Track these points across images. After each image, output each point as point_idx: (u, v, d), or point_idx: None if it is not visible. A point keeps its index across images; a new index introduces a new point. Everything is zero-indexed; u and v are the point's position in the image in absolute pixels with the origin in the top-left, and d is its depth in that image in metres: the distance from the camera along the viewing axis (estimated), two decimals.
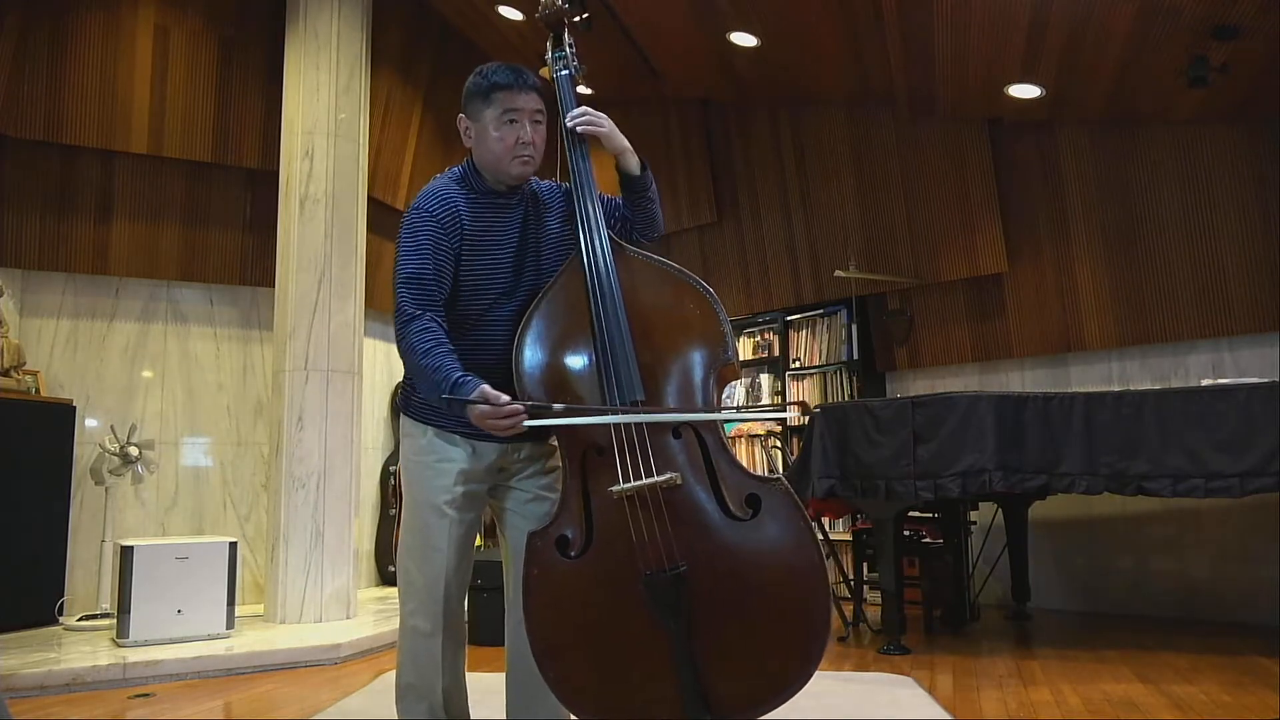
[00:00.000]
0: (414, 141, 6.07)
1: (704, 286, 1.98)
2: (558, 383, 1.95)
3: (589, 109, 2.13)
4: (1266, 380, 3.65)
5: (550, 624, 1.87)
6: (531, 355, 1.96)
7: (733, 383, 6.41)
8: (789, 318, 6.17)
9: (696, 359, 1.95)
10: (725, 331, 1.95)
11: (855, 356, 5.76)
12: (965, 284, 5.56)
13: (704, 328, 1.95)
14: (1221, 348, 4.77)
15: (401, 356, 1.96)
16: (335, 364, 4.74)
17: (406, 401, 2.10)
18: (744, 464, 1.93)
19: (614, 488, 1.83)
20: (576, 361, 1.95)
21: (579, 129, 2.11)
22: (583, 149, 2.12)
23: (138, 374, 5.33)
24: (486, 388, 1.81)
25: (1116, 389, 3.96)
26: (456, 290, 1.99)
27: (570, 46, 2.22)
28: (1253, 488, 3.48)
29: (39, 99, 4.83)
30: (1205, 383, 3.86)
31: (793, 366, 6.09)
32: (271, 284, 4.98)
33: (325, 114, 4.86)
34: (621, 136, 2.12)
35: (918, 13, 4.23)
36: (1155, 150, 4.86)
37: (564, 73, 2.19)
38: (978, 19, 4.16)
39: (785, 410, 1.86)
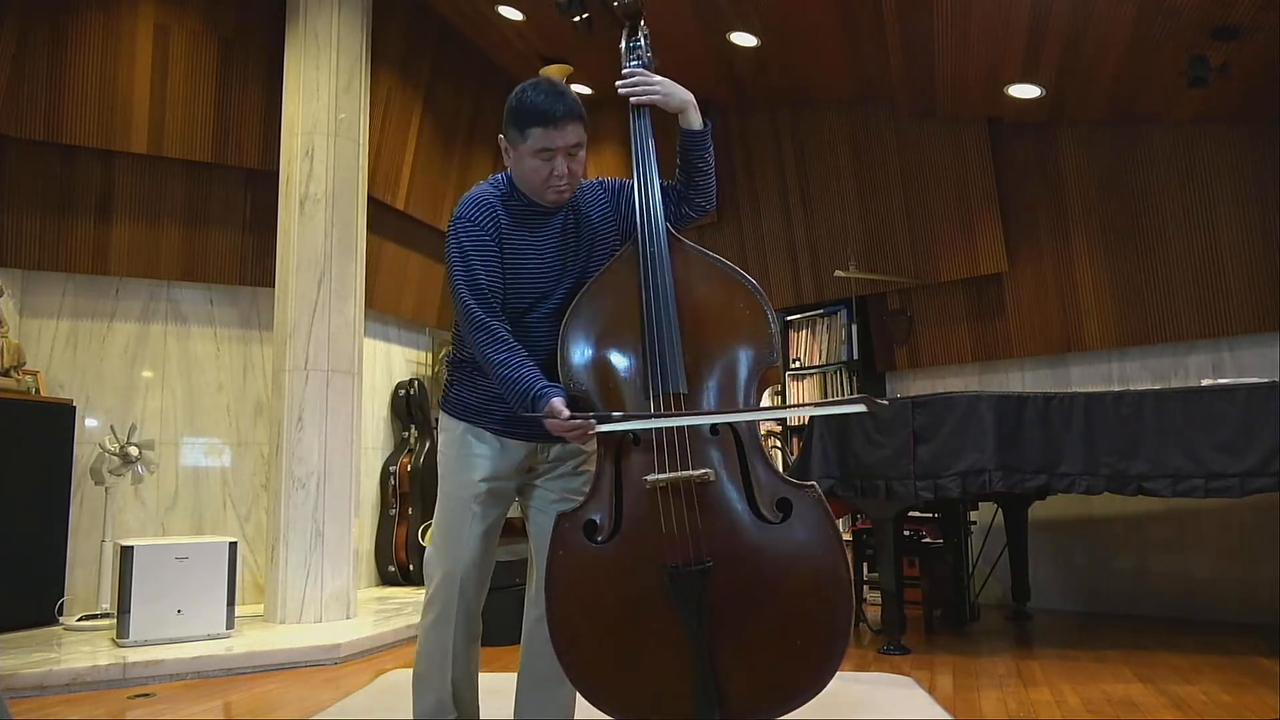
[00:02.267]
0: (414, 141, 6.06)
1: (756, 287, 1.98)
2: (601, 367, 1.95)
3: (640, 73, 2.09)
4: (1266, 380, 3.65)
5: (571, 607, 1.87)
6: (578, 338, 1.96)
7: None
8: (789, 318, 6.17)
9: (742, 358, 1.94)
10: (773, 333, 1.94)
11: (855, 356, 5.75)
12: (965, 284, 5.56)
13: (753, 327, 1.95)
14: (1221, 348, 4.77)
15: (479, 361, 1.98)
16: (335, 364, 4.74)
17: (445, 397, 2.16)
18: (778, 468, 1.91)
19: (649, 477, 1.83)
20: (622, 349, 1.95)
21: (631, 100, 2.08)
22: (647, 125, 2.09)
23: (138, 374, 5.33)
24: (556, 401, 1.84)
25: (1116, 389, 3.95)
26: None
27: (645, 38, 2.19)
28: (1253, 488, 3.48)
29: (39, 99, 4.83)
30: (1205, 383, 3.86)
31: (793, 366, 6.09)
32: (271, 284, 4.98)
33: (325, 114, 4.85)
34: (681, 92, 2.08)
35: (918, 13, 4.23)
36: (1155, 150, 4.86)
37: (635, 63, 2.16)
38: (978, 19, 4.16)
39: (858, 403, 1.81)
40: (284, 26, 5.02)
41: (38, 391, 4.82)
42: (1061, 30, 4.10)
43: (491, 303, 1.96)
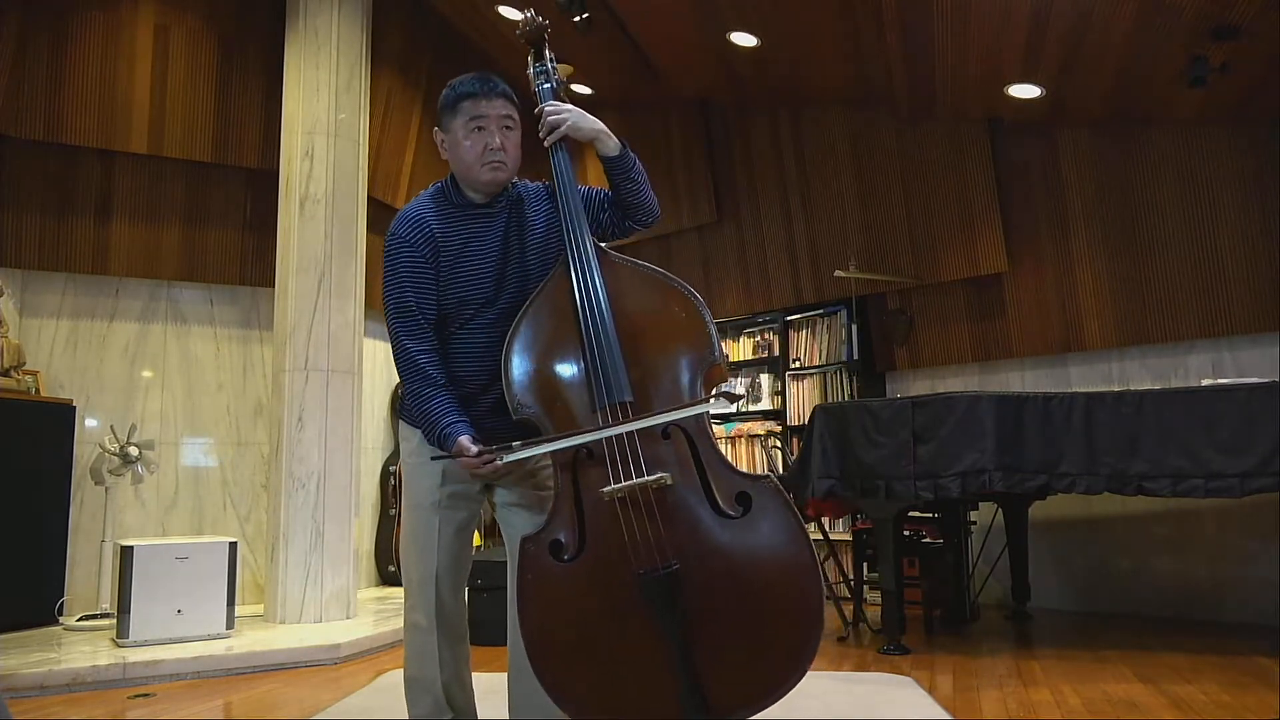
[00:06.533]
0: (414, 141, 6.07)
1: (688, 289, 2.01)
2: (547, 388, 1.97)
3: (551, 105, 2.12)
4: (1266, 380, 3.65)
5: (546, 628, 1.87)
6: (520, 362, 1.98)
7: (731, 381, 6.42)
8: (789, 318, 6.17)
9: (684, 361, 1.97)
10: (711, 332, 1.97)
11: (855, 356, 5.75)
12: (965, 284, 5.56)
13: (690, 330, 1.97)
14: (1221, 348, 4.77)
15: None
16: (335, 364, 4.74)
17: (403, 406, 2.18)
18: (733, 463, 1.94)
19: (605, 489, 1.84)
20: (565, 367, 1.97)
21: (544, 139, 2.12)
22: (565, 157, 2.12)
23: (138, 374, 5.33)
24: (462, 440, 1.90)
25: (1116, 389, 3.95)
26: (440, 302, 2.03)
27: (551, 61, 2.23)
28: (1253, 488, 3.48)
29: (39, 99, 4.83)
30: (1205, 383, 3.86)
31: (793, 366, 6.09)
32: (271, 284, 4.98)
33: (325, 114, 4.86)
34: (591, 121, 2.10)
35: (918, 13, 4.23)
36: (1155, 150, 4.86)
37: (545, 86, 2.20)
38: (977, 19, 4.16)
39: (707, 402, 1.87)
40: (284, 26, 5.02)
41: (38, 391, 4.83)
42: (1061, 30, 4.10)
43: (419, 322, 2.01)
